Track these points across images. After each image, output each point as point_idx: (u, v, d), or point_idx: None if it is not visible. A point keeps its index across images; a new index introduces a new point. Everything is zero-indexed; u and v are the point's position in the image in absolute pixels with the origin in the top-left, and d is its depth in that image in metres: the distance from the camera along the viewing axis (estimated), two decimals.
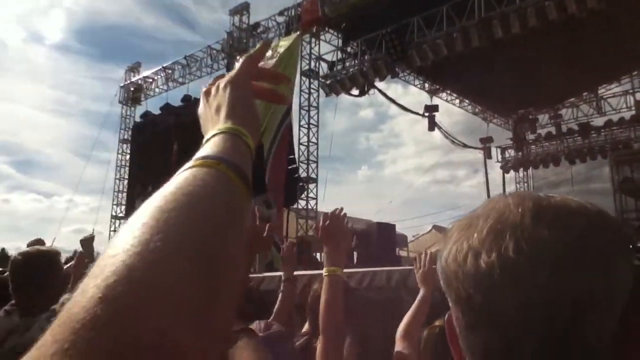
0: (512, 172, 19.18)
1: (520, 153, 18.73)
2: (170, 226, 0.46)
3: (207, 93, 0.80)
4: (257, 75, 0.83)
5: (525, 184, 19.30)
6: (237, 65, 0.82)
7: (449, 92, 17.50)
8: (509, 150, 19.14)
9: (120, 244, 0.44)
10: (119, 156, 18.96)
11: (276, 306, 2.92)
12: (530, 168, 18.87)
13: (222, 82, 0.79)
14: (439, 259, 0.66)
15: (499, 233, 0.59)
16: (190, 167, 0.57)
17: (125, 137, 18.96)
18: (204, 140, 0.68)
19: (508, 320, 0.57)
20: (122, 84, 19.17)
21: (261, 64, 0.86)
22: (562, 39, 11.15)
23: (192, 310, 0.43)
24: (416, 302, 2.41)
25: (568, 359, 0.55)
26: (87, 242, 4.29)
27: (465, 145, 17.95)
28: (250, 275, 4.56)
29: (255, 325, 2.11)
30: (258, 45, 0.86)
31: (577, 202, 0.62)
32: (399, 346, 2.33)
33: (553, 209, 0.60)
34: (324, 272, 2.00)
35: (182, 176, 0.55)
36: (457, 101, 18.09)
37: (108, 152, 19.45)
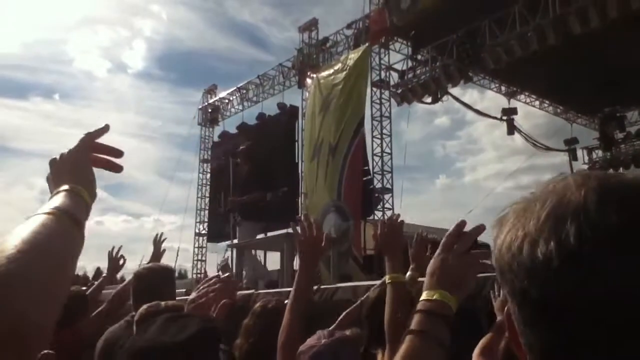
0: None
1: (608, 153, 17.69)
2: (23, 249, 0.71)
3: (52, 162, 1.02)
4: (95, 148, 1.05)
5: None
6: (78, 141, 1.04)
7: (527, 93, 16.86)
8: (597, 151, 18.13)
9: None
10: (200, 175, 19.66)
11: (342, 314, 2.91)
12: (621, 168, 17.77)
13: (64, 153, 1.02)
14: (493, 249, 0.60)
15: (558, 218, 0.53)
16: (38, 214, 0.83)
17: (205, 157, 19.63)
18: (49, 196, 0.94)
19: (569, 317, 0.51)
20: (200, 107, 19.93)
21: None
22: None
23: (42, 298, 0.70)
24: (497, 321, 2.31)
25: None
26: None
27: (548, 148, 17.17)
28: (323, 286, 4.56)
29: (319, 334, 2.10)
30: (99, 127, 1.06)
31: None
32: None
33: (622, 189, 0.53)
34: (386, 279, 1.96)
35: (33, 219, 0.81)
36: (537, 102, 17.38)
37: (190, 172, 20.12)
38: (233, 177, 13.42)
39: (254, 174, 11.03)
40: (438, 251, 1.27)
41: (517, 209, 0.59)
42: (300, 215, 12.56)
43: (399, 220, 2.07)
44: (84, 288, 3.98)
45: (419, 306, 1.19)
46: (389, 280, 1.94)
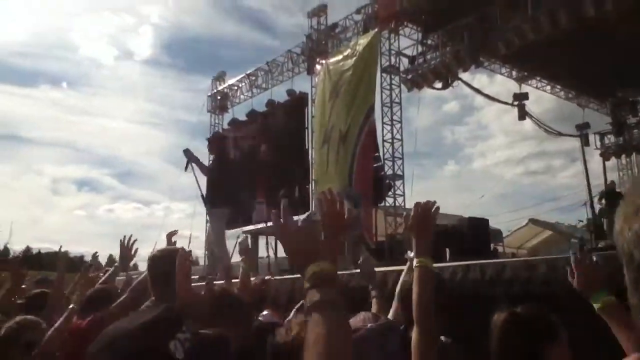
0: (613, 159, 17.98)
1: (621, 138, 17.51)
2: None
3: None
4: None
5: (630, 171, 18.03)
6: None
7: (538, 78, 16.70)
8: (609, 136, 17.93)
9: None
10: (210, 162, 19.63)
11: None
12: (634, 154, 17.63)
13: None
14: (616, 219, 0.72)
15: None
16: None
17: None
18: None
19: None
20: (209, 94, 19.89)
21: None
22: None
23: None
24: None
25: None
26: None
27: (559, 134, 17.05)
28: (339, 272, 4.56)
29: (363, 316, 2.11)
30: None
31: None
32: None
33: None
34: (414, 263, 1.98)
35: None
36: (548, 87, 17.22)
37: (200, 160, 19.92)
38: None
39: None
40: None
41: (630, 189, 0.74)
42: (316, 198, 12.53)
43: (435, 207, 2.10)
44: (100, 275, 4.01)
45: None
46: (417, 264, 1.98)
